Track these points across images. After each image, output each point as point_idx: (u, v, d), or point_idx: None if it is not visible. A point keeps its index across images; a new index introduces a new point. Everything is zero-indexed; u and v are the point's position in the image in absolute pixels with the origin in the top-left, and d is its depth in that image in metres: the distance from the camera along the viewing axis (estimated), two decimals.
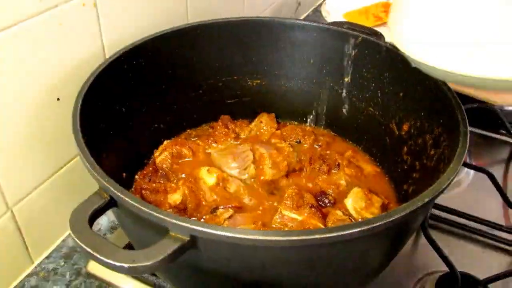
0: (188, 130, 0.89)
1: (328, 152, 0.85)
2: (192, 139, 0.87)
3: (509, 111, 1.15)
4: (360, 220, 0.71)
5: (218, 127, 0.89)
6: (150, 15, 0.85)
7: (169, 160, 0.80)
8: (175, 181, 0.77)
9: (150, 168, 0.79)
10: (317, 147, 0.88)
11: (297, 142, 0.89)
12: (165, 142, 0.83)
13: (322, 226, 0.69)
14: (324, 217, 0.71)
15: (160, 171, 0.78)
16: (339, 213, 0.72)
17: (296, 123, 0.95)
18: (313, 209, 0.70)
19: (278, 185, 0.79)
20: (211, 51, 0.86)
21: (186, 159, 0.82)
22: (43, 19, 0.65)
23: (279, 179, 0.80)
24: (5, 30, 0.60)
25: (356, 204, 0.73)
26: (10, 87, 0.63)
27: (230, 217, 0.71)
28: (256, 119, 0.91)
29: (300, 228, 0.69)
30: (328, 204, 0.75)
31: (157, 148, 0.83)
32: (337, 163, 0.82)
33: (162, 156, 0.80)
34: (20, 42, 0.63)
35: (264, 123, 0.90)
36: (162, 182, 0.76)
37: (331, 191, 0.78)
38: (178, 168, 0.80)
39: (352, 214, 0.73)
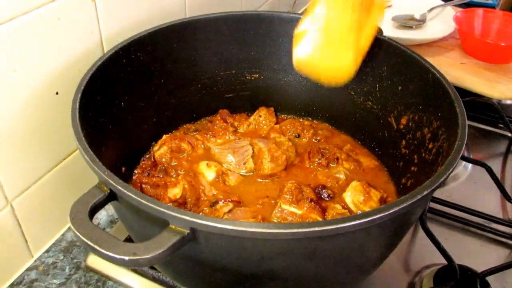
0: (187, 125, 0.89)
1: (326, 146, 0.85)
2: (191, 134, 0.87)
3: (507, 105, 1.16)
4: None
5: (217, 122, 0.89)
6: (148, 9, 0.85)
7: (168, 154, 0.80)
8: (174, 175, 0.77)
9: (149, 162, 0.79)
10: (315, 141, 0.88)
11: (296, 136, 0.89)
12: (164, 137, 0.83)
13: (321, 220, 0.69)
14: (323, 211, 0.71)
15: (159, 165, 0.78)
16: (338, 206, 0.72)
17: (294, 117, 0.95)
18: (312, 203, 0.70)
19: (278, 179, 0.79)
20: (209, 45, 0.86)
21: (185, 154, 0.82)
22: (42, 14, 0.65)
23: (278, 173, 0.80)
24: (3, 24, 0.60)
25: (354, 198, 0.73)
26: (9, 81, 0.63)
27: (229, 211, 0.71)
28: (255, 113, 0.91)
29: (299, 221, 0.69)
30: (327, 198, 0.75)
31: (156, 142, 0.83)
32: (335, 157, 0.82)
33: (161, 150, 0.80)
34: (18, 37, 0.62)
35: (263, 117, 0.90)
36: (161, 176, 0.76)
37: (329, 185, 0.78)
38: (177, 163, 0.80)
39: (350, 207, 0.73)
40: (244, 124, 0.90)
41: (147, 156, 0.82)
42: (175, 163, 0.80)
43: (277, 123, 0.92)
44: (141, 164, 0.80)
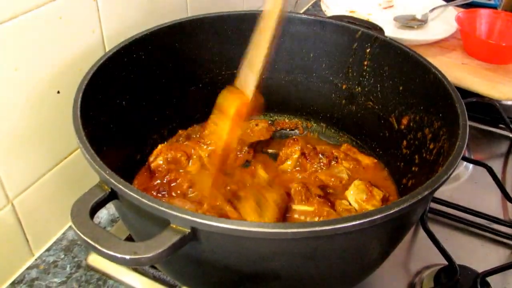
0: (180, 131, 0.88)
1: (322, 147, 0.85)
2: (183, 142, 0.86)
3: (508, 105, 1.16)
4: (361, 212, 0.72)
5: (207, 127, 0.88)
6: (150, 8, 0.85)
7: (164, 166, 0.79)
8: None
9: (146, 173, 0.79)
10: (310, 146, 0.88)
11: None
12: (159, 147, 0.82)
13: (335, 213, 0.71)
14: (332, 205, 0.72)
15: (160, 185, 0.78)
16: (345, 202, 0.73)
17: (295, 117, 0.96)
18: (321, 198, 0.71)
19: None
20: (211, 44, 0.86)
21: (181, 171, 0.80)
22: (43, 13, 0.65)
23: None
24: (4, 23, 0.60)
25: (357, 196, 0.74)
26: (11, 80, 0.63)
27: None
28: (254, 121, 0.91)
29: (314, 217, 0.70)
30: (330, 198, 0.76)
31: (155, 144, 0.83)
32: (334, 156, 0.83)
33: (157, 161, 0.79)
34: (20, 36, 0.62)
35: (259, 127, 0.89)
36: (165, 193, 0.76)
37: (332, 184, 0.78)
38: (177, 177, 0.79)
39: (353, 206, 0.73)
40: None
41: (150, 154, 0.81)
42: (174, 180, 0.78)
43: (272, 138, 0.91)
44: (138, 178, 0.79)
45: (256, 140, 0.88)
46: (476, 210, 0.86)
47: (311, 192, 0.73)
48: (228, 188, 0.76)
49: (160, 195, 0.76)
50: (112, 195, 0.52)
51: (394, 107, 0.80)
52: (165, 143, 0.85)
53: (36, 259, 0.76)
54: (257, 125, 0.90)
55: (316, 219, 0.70)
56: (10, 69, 0.63)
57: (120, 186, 0.49)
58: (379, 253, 0.61)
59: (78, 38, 0.72)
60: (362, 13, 1.35)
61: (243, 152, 0.84)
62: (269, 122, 0.93)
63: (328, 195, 0.75)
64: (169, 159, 0.80)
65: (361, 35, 0.83)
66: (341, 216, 0.69)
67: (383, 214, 0.48)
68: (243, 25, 0.86)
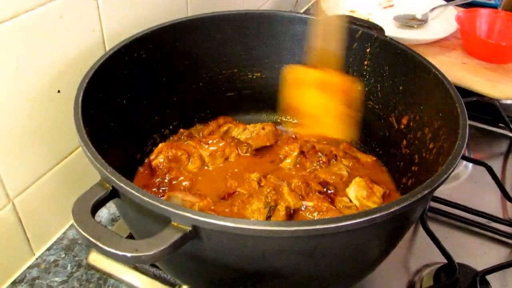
0: (181, 130, 0.88)
1: (321, 145, 0.85)
2: (184, 141, 0.86)
3: (508, 105, 1.16)
4: (362, 209, 0.73)
5: (211, 126, 0.89)
6: (150, 7, 0.85)
7: (165, 163, 0.79)
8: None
9: (146, 172, 0.79)
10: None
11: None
12: (160, 145, 0.82)
13: (334, 208, 0.71)
14: (332, 201, 0.73)
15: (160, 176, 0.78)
16: (346, 199, 0.73)
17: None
18: (321, 195, 0.71)
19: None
20: (211, 44, 0.86)
21: (182, 168, 0.81)
22: (43, 12, 0.65)
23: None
24: (5, 22, 0.60)
25: (358, 193, 0.74)
26: (12, 79, 0.64)
27: None
28: (261, 124, 0.89)
29: (314, 213, 0.71)
30: (330, 195, 0.76)
31: (155, 143, 0.84)
32: (334, 154, 0.83)
33: (158, 159, 0.80)
34: (20, 35, 0.62)
35: (266, 131, 0.88)
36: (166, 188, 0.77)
37: (332, 182, 0.78)
38: (177, 175, 0.79)
39: (354, 203, 0.74)
40: (239, 127, 0.88)
41: (151, 151, 0.82)
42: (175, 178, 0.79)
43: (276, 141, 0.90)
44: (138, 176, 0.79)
45: (261, 146, 0.87)
46: (475, 209, 0.86)
47: (311, 187, 0.73)
48: (228, 184, 0.77)
49: (160, 190, 0.76)
50: (113, 194, 0.52)
51: (394, 107, 0.81)
52: (166, 141, 0.85)
53: (36, 258, 0.76)
54: (263, 128, 0.88)
55: (315, 214, 0.70)
56: (11, 68, 0.63)
57: (121, 184, 0.49)
58: (379, 251, 0.61)
59: (78, 37, 0.72)
60: (362, 13, 1.35)
61: (247, 154, 0.85)
62: (275, 124, 0.92)
63: (329, 193, 0.75)
64: (170, 157, 0.80)
65: (361, 35, 0.83)
66: (341, 212, 0.70)
67: (383, 213, 0.48)
68: (243, 24, 0.86)
